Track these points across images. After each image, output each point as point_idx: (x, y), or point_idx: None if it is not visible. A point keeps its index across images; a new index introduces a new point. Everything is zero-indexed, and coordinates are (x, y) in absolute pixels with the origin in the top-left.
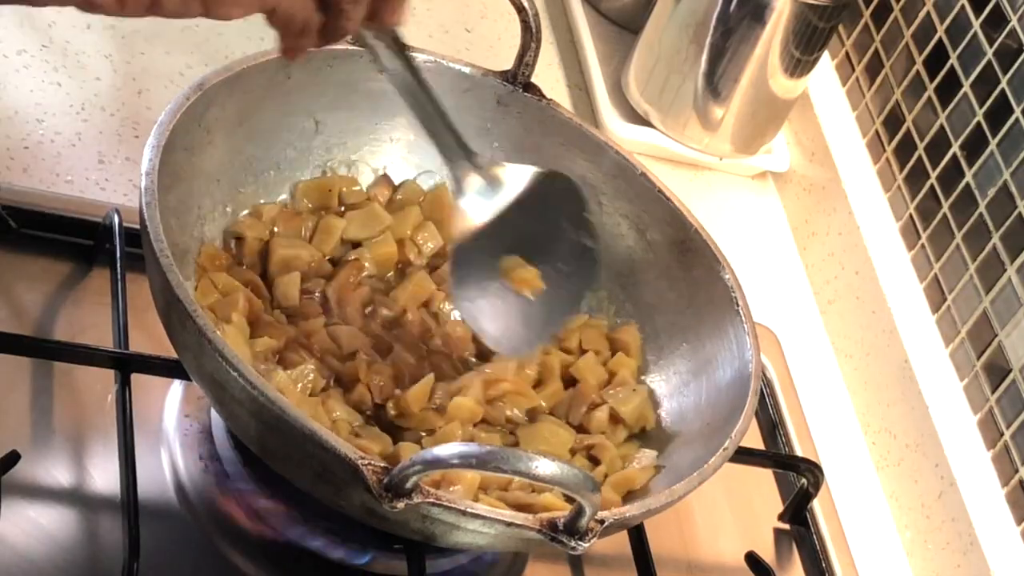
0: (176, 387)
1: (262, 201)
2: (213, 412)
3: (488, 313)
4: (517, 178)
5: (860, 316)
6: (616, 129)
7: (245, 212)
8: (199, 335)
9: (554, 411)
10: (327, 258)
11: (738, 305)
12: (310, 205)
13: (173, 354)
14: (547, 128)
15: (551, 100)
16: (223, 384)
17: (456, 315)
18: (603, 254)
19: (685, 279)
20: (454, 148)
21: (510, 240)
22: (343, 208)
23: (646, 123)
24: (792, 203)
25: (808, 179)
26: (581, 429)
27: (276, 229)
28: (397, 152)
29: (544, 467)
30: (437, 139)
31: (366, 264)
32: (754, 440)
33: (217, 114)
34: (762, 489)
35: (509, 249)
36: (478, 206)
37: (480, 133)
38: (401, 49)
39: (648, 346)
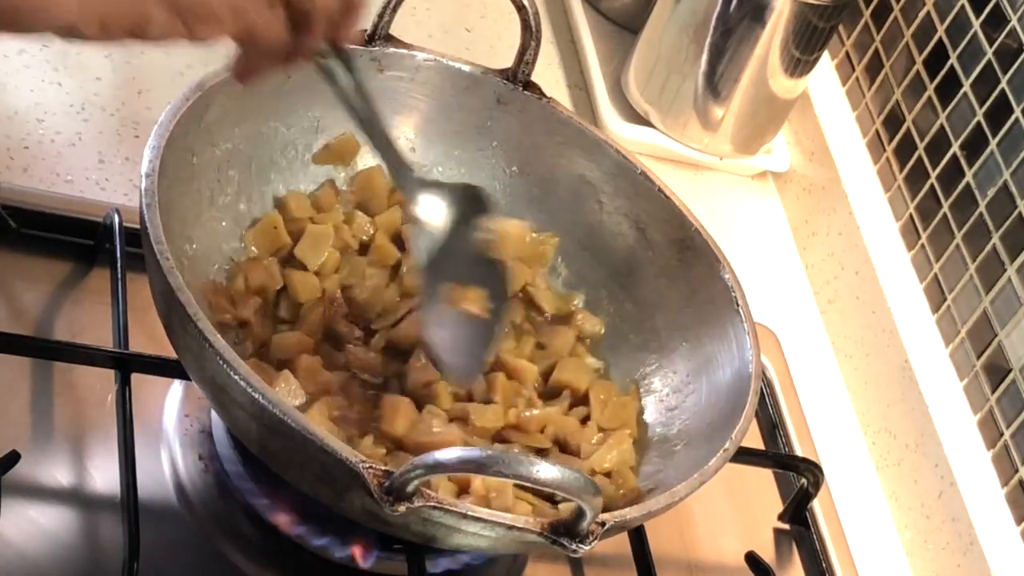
0: (176, 387)
1: (254, 212)
2: (213, 412)
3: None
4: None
5: (860, 316)
6: (616, 129)
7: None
8: (200, 338)
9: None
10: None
11: (738, 304)
12: (263, 251)
13: (173, 354)
14: (547, 126)
15: (551, 99)
16: (224, 387)
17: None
18: (603, 253)
19: (685, 278)
20: (399, 161)
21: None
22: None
23: (646, 123)
24: (792, 203)
25: (808, 179)
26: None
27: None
28: (397, 150)
29: (545, 471)
30: (383, 152)
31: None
32: (754, 440)
33: (217, 114)
34: (762, 489)
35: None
36: (432, 213)
37: (479, 132)
38: (349, 64)
39: (648, 345)
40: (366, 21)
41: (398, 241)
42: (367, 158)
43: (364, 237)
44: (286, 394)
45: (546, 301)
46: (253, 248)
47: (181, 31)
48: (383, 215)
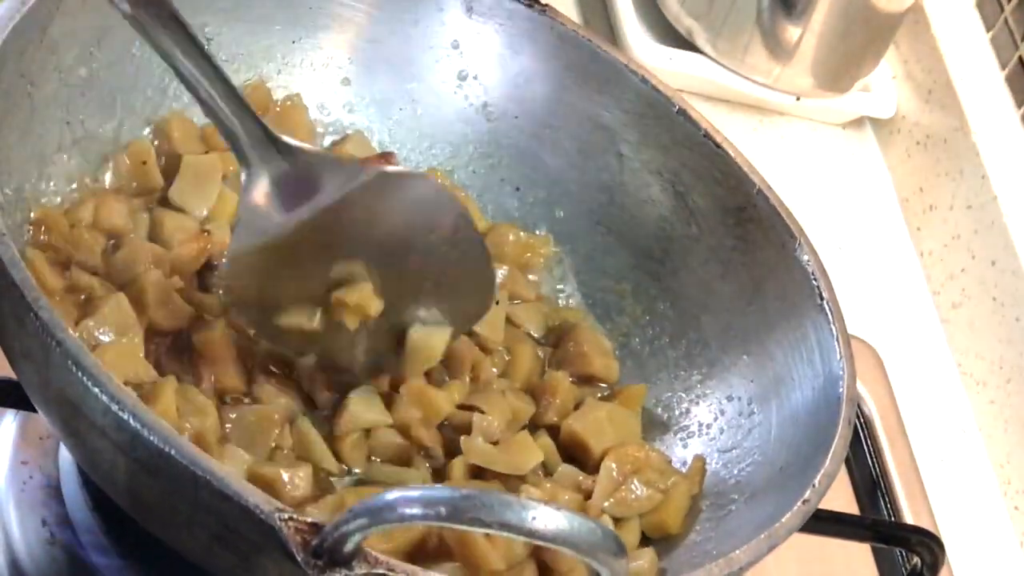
0: (8, 422)
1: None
2: (62, 456)
3: None
4: (351, 174)
5: (998, 326)
6: (645, 53)
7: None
8: (45, 335)
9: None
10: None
11: (822, 298)
12: (132, 187)
13: (3, 372)
14: (542, 47)
15: (547, 6)
16: (78, 406)
17: None
18: (625, 229)
19: (745, 263)
20: (244, 134)
21: (343, 248)
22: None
23: (689, 46)
24: (901, 163)
25: (923, 128)
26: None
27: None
28: (323, 81)
29: (546, 519)
30: (219, 120)
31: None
32: (846, 501)
33: (66, 28)
34: (856, 571)
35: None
36: (283, 201)
37: (447, 54)
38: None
39: (693, 361)
40: None
41: None
42: (281, 91)
43: None
44: (105, 328)
45: (531, 319)
46: (109, 186)
47: None
48: None
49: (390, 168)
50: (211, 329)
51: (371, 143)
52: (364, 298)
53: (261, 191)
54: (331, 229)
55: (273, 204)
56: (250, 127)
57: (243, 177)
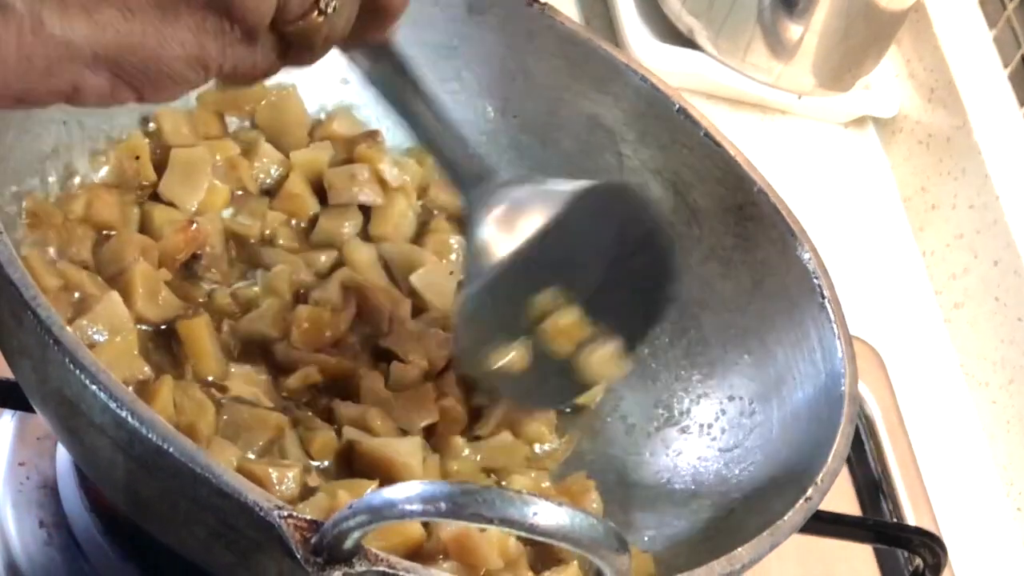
0: (5, 422)
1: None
2: (59, 457)
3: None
4: (556, 195)
5: (1000, 326)
6: (646, 52)
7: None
8: (42, 332)
9: None
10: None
11: (823, 297)
12: (126, 182)
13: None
14: (541, 46)
15: (547, 5)
16: (76, 403)
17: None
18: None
19: (746, 262)
20: (465, 168)
21: (545, 274)
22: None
23: (690, 44)
24: (904, 162)
25: (926, 127)
26: None
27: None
28: (322, 82)
29: (547, 515)
30: (441, 157)
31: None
32: (847, 502)
33: None
34: (858, 572)
35: (541, 284)
36: (500, 239)
37: (442, 55)
38: (388, 56)
39: (694, 360)
40: None
41: (320, 191)
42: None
43: (269, 179)
44: (99, 327)
45: None
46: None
47: (128, 95)
48: (302, 153)
49: (589, 183)
50: (194, 319)
51: (358, 118)
52: (575, 322)
53: (486, 228)
54: (538, 255)
55: (494, 239)
56: (467, 162)
57: (468, 217)
